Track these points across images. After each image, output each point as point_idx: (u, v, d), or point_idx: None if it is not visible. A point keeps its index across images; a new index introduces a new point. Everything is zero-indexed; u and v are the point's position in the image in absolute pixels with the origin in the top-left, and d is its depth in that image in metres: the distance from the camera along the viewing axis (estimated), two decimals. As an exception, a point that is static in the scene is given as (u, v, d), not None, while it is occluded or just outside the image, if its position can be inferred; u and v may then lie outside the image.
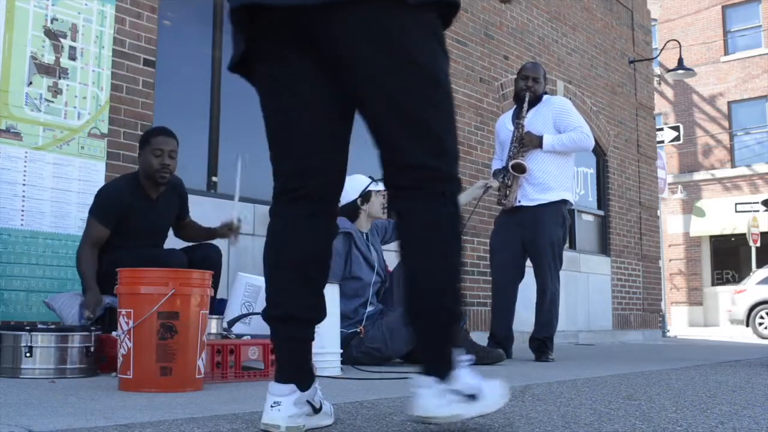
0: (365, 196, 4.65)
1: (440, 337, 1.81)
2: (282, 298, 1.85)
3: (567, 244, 7.14)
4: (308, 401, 1.80)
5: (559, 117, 5.03)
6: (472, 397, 1.74)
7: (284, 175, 1.87)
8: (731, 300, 15.33)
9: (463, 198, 4.83)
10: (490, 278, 5.20)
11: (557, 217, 5.01)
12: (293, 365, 1.83)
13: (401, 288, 1.90)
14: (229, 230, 4.14)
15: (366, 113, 1.83)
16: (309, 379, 1.83)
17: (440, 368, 1.76)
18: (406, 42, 1.74)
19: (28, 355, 3.09)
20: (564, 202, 5.05)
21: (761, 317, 14.55)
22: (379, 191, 4.75)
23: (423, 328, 1.82)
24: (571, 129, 4.99)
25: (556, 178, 5.02)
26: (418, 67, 1.76)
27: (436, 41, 1.81)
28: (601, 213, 9.48)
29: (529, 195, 4.98)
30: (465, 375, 1.78)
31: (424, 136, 1.78)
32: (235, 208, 4.03)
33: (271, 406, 1.77)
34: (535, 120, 5.04)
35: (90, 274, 3.71)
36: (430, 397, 1.73)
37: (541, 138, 4.97)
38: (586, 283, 8.92)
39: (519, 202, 5.00)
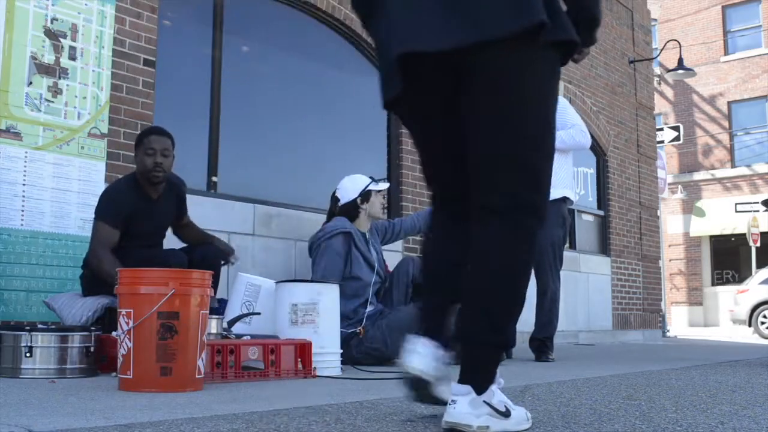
0: (365, 195, 4.65)
1: (487, 353, 1.89)
2: (429, 264, 2.15)
3: (567, 244, 7.13)
4: (443, 358, 1.98)
5: None
6: (503, 413, 1.83)
7: (431, 186, 2.21)
8: (734, 300, 15.31)
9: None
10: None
11: (557, 217, 5.01)
12: (428, 320, 2.09)
13: (463, 302, 1.98)
14: (225, 251, 4.17)
15: (478, 139, 1.95)
16: (445, 339, 2.02)
17: (480, 380, 1.84)
18: (532, 83, 1.91)
19: (28, 355, 3.09)
20: (564, 200, 5.05)
21: (764, 317, 14.54)
22: (379, 191, 4.74)
23: (474, 344, 1.89)
24: (568, 127, 5.00)
25: (556, 176, 5.01)
26: (537, 108, 1.92)
27: (554, 79, 1.98)
28: (601, 213, 9.48)
29: None
30: (499, 393, 1.87)
31: (527, 170, 1.92)
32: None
33: (412, 353, 1.98)
34: None
35: None
36: (466, 405, 1.81)
37: None
38: (586, 283, 8.92)
39: None
